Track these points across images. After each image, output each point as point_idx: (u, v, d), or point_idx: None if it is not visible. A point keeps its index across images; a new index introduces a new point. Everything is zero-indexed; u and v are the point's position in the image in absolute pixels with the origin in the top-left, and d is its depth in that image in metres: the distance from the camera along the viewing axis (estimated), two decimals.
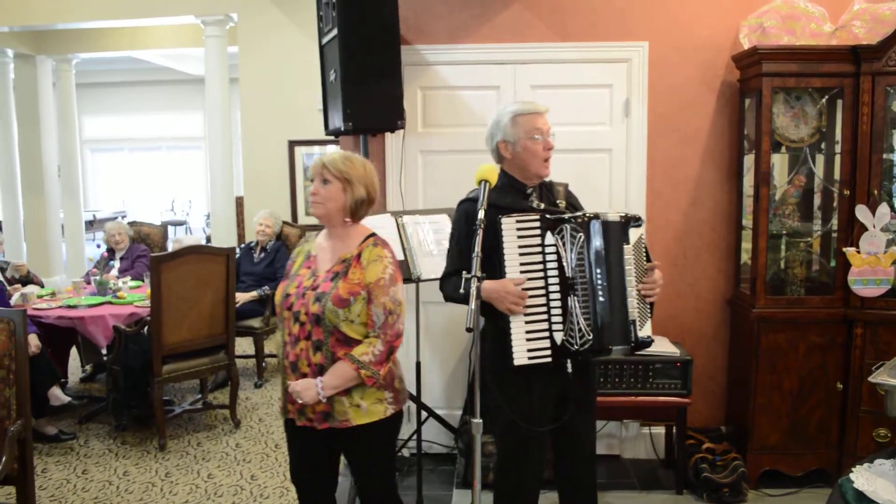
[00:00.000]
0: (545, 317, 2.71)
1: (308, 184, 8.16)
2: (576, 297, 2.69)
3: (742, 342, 4.18)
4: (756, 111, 3.94)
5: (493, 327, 2.84)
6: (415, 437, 3.98)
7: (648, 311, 2.82)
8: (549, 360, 2.71)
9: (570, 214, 2.75)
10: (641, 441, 4.48)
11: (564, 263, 2.69)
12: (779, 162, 4.15)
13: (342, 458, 2.91)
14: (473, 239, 2.53)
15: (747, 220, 4.17)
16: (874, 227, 3.81)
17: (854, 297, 3.88)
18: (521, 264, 2.70)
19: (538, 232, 2.71)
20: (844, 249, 3.87)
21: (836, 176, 3.97)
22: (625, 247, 2.74)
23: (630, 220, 2.76)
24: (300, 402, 2.57)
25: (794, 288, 4.08)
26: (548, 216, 2.74)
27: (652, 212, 4.33)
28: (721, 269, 4.37)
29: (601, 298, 2.70)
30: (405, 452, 4.43)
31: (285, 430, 2.80)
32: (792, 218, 4.10)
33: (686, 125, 4.30)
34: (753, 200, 4.00)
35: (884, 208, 3.79)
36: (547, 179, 3.01)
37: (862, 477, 2.30)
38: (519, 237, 2.71)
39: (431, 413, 4.18)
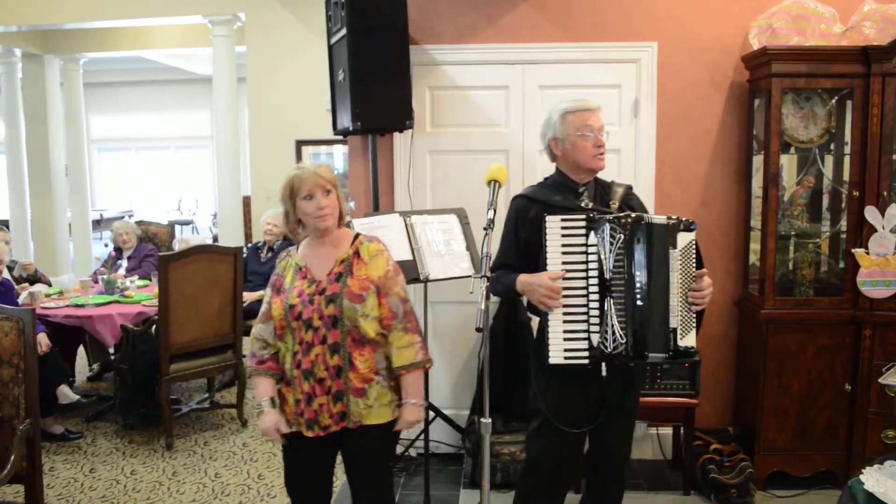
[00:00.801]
0: (584, 317, 2.69)
1: None
2: (611, 299, 2.66)
3: (750, 343, 4.17)
4: (765, 112, 3.93)
5: (539, 325, 2.84)
6: (422, 436, 3.98)
7: (694, 319, 2.73)
8: (586, 361, 2.69)
9: (613, 215, 2.69)
10: (649, 442, 4.48)
11: (603, 264, 2.66)
12: (788, 163, 4.14)
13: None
14: (483, 239, 2.53)
15: (756, 221, 4.15)
16: (883, 228, 3.80)
17: (863, 299, 3.87)
18: (564, 263, 2.68)
19: (583, 231, 2.67)
20: (853, 251, 3.86)
21: (846, 177, 3.96)
22: (671, 251, 2.65)
23: (679, 224, 2.67)
24: (411, 426, 2.71)
25: (802, 289, 4.07)
26: (594, 216, 2.70)
27: (660, 212, 4.29)
28: (730, 270, 4.37)
29: (639, 302, 2.64)
30: (412, 452, 4.44)
31: (285, 442, 2.74)
32: (801, 219, 4.09)
33: (695, 126, 4.29)
34: (762, 201, 3.99)
35: (893, 209, 3.78)
36: (608, 180, 2.99)
37: (872, 478, 2.29)
38: (563, 236, 2.68)
39: (439, 413, 4.18)
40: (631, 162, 4.30)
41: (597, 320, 2.67)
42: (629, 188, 2.99)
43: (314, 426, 2.64)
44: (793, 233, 4.09)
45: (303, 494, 2.81)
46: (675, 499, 4.00)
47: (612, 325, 2.64)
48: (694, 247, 2.71)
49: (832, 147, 4.08)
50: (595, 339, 2.67)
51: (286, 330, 2.66)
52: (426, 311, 3.96)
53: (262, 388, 2.72)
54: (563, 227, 2.68)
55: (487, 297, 2.41)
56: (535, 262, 2.73)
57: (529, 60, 4.29)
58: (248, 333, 5.70)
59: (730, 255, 4.35)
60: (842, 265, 4.01)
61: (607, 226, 2.64)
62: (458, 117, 4.37)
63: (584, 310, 2.69)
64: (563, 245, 2.68)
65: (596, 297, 2.66)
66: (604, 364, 2.70)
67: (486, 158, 4.06)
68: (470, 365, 4.52)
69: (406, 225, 3.78)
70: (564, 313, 2.69)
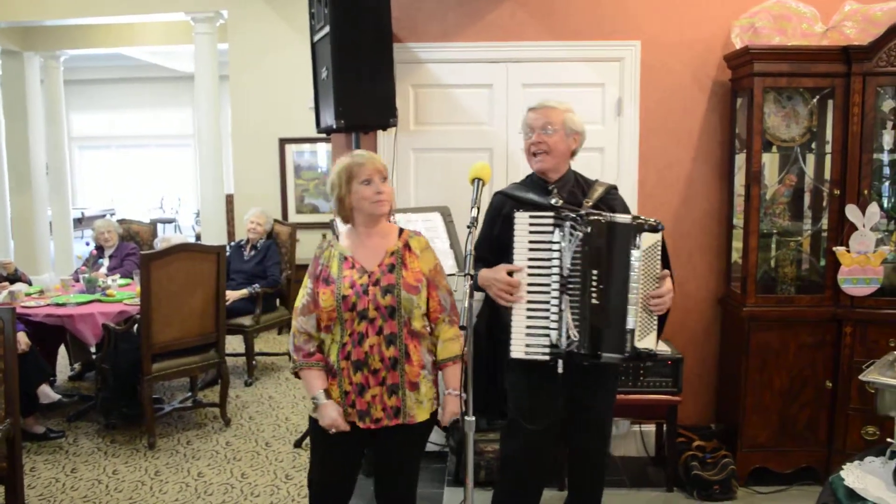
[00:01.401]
0: (546, 314, 2.71)
1: (300, 182, 8.25)
2: (567, 297, 2.68)
3: (733, 341, 4.20)
4: (747, 111, 3.96)
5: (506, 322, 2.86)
6: None
7: (655, 322, 2.75)
8: (547, 357, 2.71)
9: (577, 212, 2.71)
10: (632, 439, 4.49)
11: (562, 261, 2.68)
12: (770, 161, 4.17)
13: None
14: (467, 237, 2.54)
15: (738, 220, 4.18)
16: (864, 226, 3.83)
17: (844, 296, 3.90)
18: (530, 259, 2.71)
19: (550, 228, 2.70)
20: (834, 249, 3.89)
21: (827, 175, 3.99)
22: (633, 252, 2.67)
23: (643, 225, 2.69)
24: (452, 420, 2.69)
25: (784, 287, 4.10)
26: (560, 213, 2.71)
27: (643, 211, 4.33)
28: (712, 267, 4.39)
29: (594, 301, 2.67)
30: None
31: (322, 437, 2.68)
32: (782, 217, 4.12)
33: (678, 125, 4.31)
34: (744, 200, 4.02)
35: (873, 208, 3.82)
36: (591, 177, 3.02)
37: (852, 474, 2.31)
38: (531, 232, 2.71)
39: None
40: (614, 160, 4.31)
41: (556, 317, 2.69)
42: (611, 188, 3.00)
43: (365, 418, 2.62)
44: (774, 231, 4.12)
45: (326, 489, 2.77)
46: (657, 495, 4.02)
47: (567, 323, 2.66)
48: (659, 248, 2.73)
49: (813, 146, 4.11)
50: (553, 336, 2.69)
51: (335, 321, 2.61)
52: None
53: (313, 382, 2.65)
54: (532, 224, 2.72)
55: (471, 295, 2.43)
56: (505, 256, 2.77)
57: (513, 59, 4.29)
58: (230, 332, 5.71)
59: (712, 253, 4.38)
60: (823, 263, 4.05)
61: (568, 223, 2.66)
62: (441, 115, 4.37)
63: (546, 306, 2.72)
64: (531, 241, 2.72)
65: (557, 294, 2.69)
66: (560, 361, 2.71)
67: (469, 157, 4.05)
68: None
69: (390, 223, 3.76)
70: (528, 309, 2.72)
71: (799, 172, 4.11)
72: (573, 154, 3.00)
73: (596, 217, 2.68)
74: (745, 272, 3.99)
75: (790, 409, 4.01)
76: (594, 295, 2.66)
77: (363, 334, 2.59)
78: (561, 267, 2.67)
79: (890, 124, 3.93)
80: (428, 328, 2.71)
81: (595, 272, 2.66)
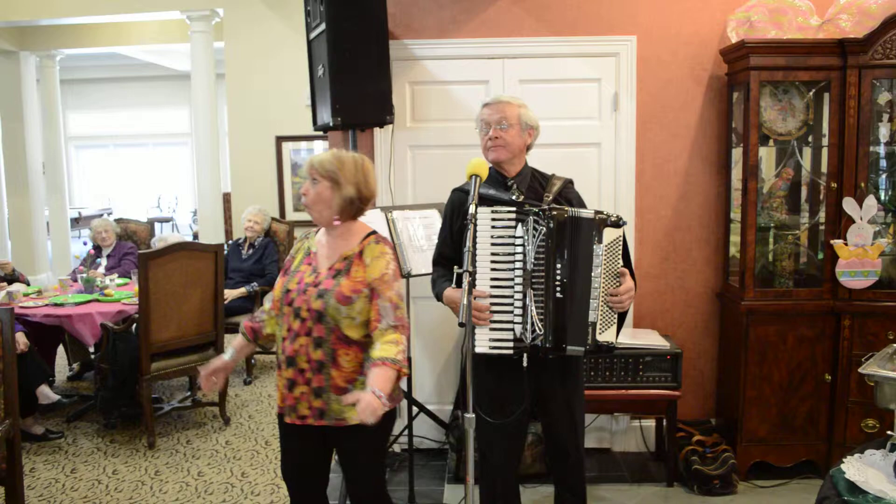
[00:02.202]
0: (510, 308, 2.72)
1: (296, 179, 8.23)
2: (532, 291, 2.69)
3: (731, 335, 4.20)
4: (744, 105, 3.95)
5: None
6: (406, 432, 3.98)
7: (615, 315, 2.78)
8: (511, 351, 2.72)
9: (540, 207, 2.73)
10: (632, 434, 4.50)
11: (526, 256, 2.69)
12: (766, 155, 4.17)
13: (334, 454, 2.91)
14: (464, 234, 2.54)
15: (736, 214, 4.18)
16: (861, 219, 3.83)
17: (842, 289, 3.91)
18: (492, 255, 2.73)
19: (512, 223, 2.72)
20: (832, 242, 3.89)
21: (824, 169, 3.99)
22: (595, 246, 2.70)
23: (606, 220, 2.71)
24: (371, 421, 2.41)
25: (782, 280, 4.10)
26: (522, 208, 2.73)
27: (641, 206, 4.34)
28: (710, 262, 4.39)
29: (558, 295, 2.69)
30: (396, 448, 4.44)
31: (279, 426, 2.80)
32: (780, 211, 4.12)
33: (674, 119, 4.31)
34: (741, 193, 4.01)
35: (871, 200, 3.82)
36: (548, 172, 3.03)
37: (853, 467, 2.31)
38: (493, 227, 2.73)
39: (422, 408, 4.18)
40: (611, 155, 4.31)
41: (520, 311, 2.70)
42: (568, 182, 3.03)
43: (292, 413, 2.66)
44: (772, 224, 4.12)
45: (295, 480, 2.81)
46: (658, 490, 4.02)
47: (532, 317, 2.67)
48: (620, 243, 2.76)
49: (810, 139, 4.11)
50: (518, 330, 2.71)
51: (279, 313, 2.68)
52: (408, 307, 3.95)
53: (234, 341, 2.87)
54: (493, 219, 2.73)
55: (469, 292, 2.42)
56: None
57: (510, 55, 4.28)
58: (229, 331, 5.71)
59: (710, 248, 4.38)
60: (821, 256, 4.05)
61: (531, 218, 2.68)
62: (438, 112, 4.36)
63: (510, 301, 2.73)
64: (493, 237, 2.73)
65: (520, 288, 2.71)
66: (525, 355, 2.72)
67: (466, 153, 4.00)
68: (452, 360, 4.52)
69: (388, 220, 3.77)
70: (492, 304, 2.72)
71: (796, 166, 4.12)
72: (528, 148, 3.01)
73: (559, 211, 2.70)
74: (743, 266, 3.99)
75: (790, 403, 4.01)
76: (558, 289, 2.69)
77: (297, 332, 2.61)
78: (525, 261, 2.68)
79: (886, 117, 3.93)
80: (367, 336, 2.60)
81: (559, 266, 2.68)
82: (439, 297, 3.00)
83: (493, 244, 2.73)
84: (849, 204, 3.84)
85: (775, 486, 4.00)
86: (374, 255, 2.63)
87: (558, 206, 2.74)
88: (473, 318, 2.70)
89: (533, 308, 2.68)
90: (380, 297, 2.57)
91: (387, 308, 2.57)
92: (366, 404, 2.35)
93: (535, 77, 4.27)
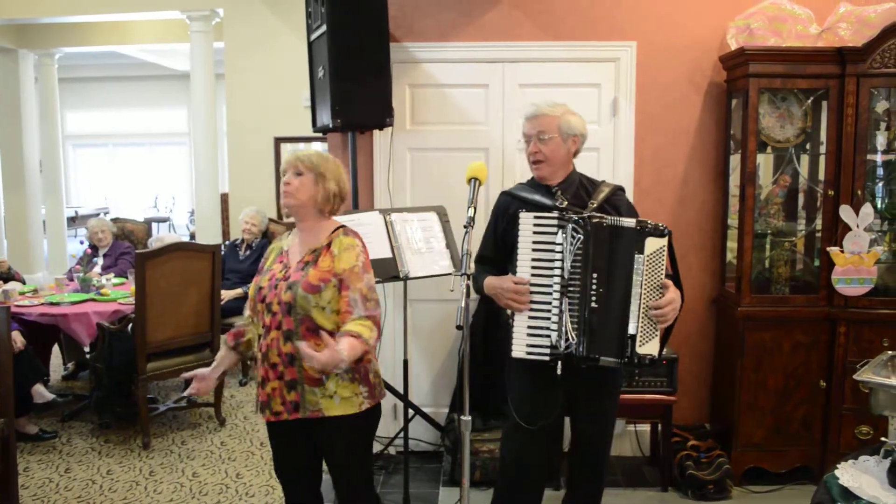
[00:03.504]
0: (548, 315, 2.71)
1: None
2: (566, 299, 2.68)
3: (727, 340, 4.21)
4: (742, 111, 3.97)
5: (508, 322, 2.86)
6: (402, 435, 3.98)
7: (655, 328, 2.72)
8: (547, 357, 2.71)
9: (580, 214, 2.70)
10: (627, 438, 4.50)
11: (564, 264, 2.67)
12: (764, 162, 4.18)
13: None
14: (463, 237, 2.54)
15: (733, 220, 4.19)
16: (858, 226, 3.85)
17: (838, 296, 3.92)
18: (533, 260, 2.71)
19: (554, 230, 2.70)
20: (828, 249, 3.90)
21: (821, 176, 4.01)
22: (637, 256, 2.65)
23: (648, 229, 2.66)
24: (326, 370, 2.47)
25: (778, 287, 4.11)
26: (565, 215, 2.71)
27: (639, 210, 4.25)
28: (707, 267, 4.40)
29: (593, 305, 2.66)
30: (392, 450, 4.43)
31: (267, 426, 2.82)
32: (777, 217, 4.14)
33: (673, 125, 4.32)
34: (739, 200, 4.03)
35: (867, 208, 3.83)
36: (597, 179, 3.02)
37: (847, 473, 2.31)
38: (535, 233, 2.71)
39: (418, 411, 4.18)
40: (610, 160, 4.32)
41: (556, 319, 2.69)
42: (617, 189, 2.98)
43: (266, 410, 2.68)
44: (769, 231, 4.13)
45: (287, 479, 2.85)
46: (652, 495, 4.03)
47: (566, 325, 2.66)
48: (664, 254, 2.70)
49: (808, 147, 4.13)
50: (554, 337, 2.69)
51: (255, 311, 2.73)
52: (406, 309, 3.95)
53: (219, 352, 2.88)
54: (536, 225, 2.71)
55: (468, 295, 2.43)
56: (512, 255, 2.78)
57: (510, 59, 4.29)
58: (225, 332, 5.69)
59: (707, 253, 4.39)
60: (817, 263, 4.06)
61: (570, 225, 2.66)
62: (438, 115, 4.37)
63: (548, 307, 2.71)
64: (534, 242, 2.72)
65: (558, 295, 2.69)
66: (560, 363, 2.71)
67: (466, 156, 4.06)
68: (449, 363, 4.52)
69: (386, 223, 3.77)
70: (531, 309, 2.72)
71: (793, 173, 4.13)
72: (575, 154, 2.98)
73: (599, 219, 2.66)
74: (739, 272, 4.00)
75: (785, 409, 4.02)
76: (593, 298, 2.66)
77: (268, 328, 2.64)
78: (563, 269, 2.67)
79: (884, 125, 3.95)
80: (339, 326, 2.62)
81: (595, 275, 2.65)
82: (480, 290, 2.95)
83: (534, 250, 2.72)
84: (845, 211, 3.85)
85: (769, 491, 4.01)
86: (343, 246, 2.64)
87: (599, 214, 2.71)
88: (512, 301, 2.70)
89: (567, 316, 2.67)
90: (349, 288, 2.59)
91: (356, 300, 2.58)
92: (328, 356, 2.38)
93: (535, 81, 4.28)
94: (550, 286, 2.70)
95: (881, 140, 3.94)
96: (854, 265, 3.87)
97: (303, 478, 2.84)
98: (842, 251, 3.87)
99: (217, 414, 5.17)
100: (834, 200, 3.91)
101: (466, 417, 2.51)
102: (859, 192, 3.87)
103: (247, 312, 2.82)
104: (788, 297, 4.06)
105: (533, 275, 2.71)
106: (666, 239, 2.70)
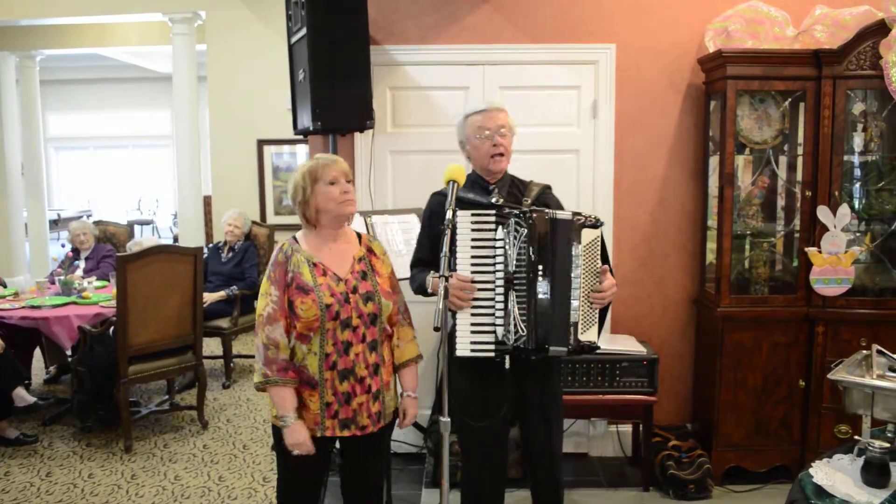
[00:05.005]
0: (491, 311, 2.74)
1: (278, 183, 8.22)
2: (514, 293, 2.71)
3: (707, 341, 4.24)
4: (721, 113, 4.00)
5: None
6: None
7: (596, 315, 2.79)
8: (492, 353, 2.73)
9: (519, 209, 2.75)
10: (608, 439, 4.52)
11: (507, 258, 2.71)
12: (743, 163, 4.22)
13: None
14: (441, 238, 2.55)
15: (712, 221, 4.23)
16: (835, 227, 3.89)
17: (816, 297, 3.96)
18: (473, 257, 2.74)
19: (492, 226, 2.74)
20: (806, 249, 3.94)
21: (799, 177, 4.05)
22: (574, 247, 2.71)
23: (584, 221, 2.74)
24: (408, 422, 2.79)
25: (757, 287, 4.15)
26: (502, 211, 2.75)
27: (619, 212, 4.37)
28: (687, 268, 4.43)
29: (540, 296, 2.70)
30: None
31: (286, 460, 2.65)
32: (756, 218, 4.17)
33: (653, 127, 4.35)
34: (718, 201, 4.06)
35: (844, 209, 3.87)
36: (525, 178, 3.06)
37: (821, 471, 2.34)
38: (473, 230, 2.74)
39: None
40: (590, 162, 4.34)
41: (502, 313, 2.72)
42: (546, 187, 3.07)
43: (351, 425, 2.61)
44: (748, 232, 4.17)
45: (296, 500, 2.73)
46: (634, 495, 4.05)
47: (514, 318, 2.69)
48: (599, 243, 2.79)
49: (786, 148, 4.17)
50: (500, 332, 2.72)
51: (316, 331, 2.56)
52: None
53: (286, 399, 2.57)
54: (473, 222, 2.74)
55: (445, 297, 2.44)
56: (452, 258, 2.74)
57: (490, 61, 4.31)
58: (207, 334, 5.69)
59: (687, 254, 4.42)
60: (795, 264, 4.10)
61: (513, 220, 2.70)
62: (419, 117, 4.38)
63: (491, 303, 2.74)
64: (473, 239, 2.75)
65: (502, 290, 2.73)
66: (507, 357, 2.74)
67: (446, 158, 4.01)
68: (431, 364, 4.52)
69: (367, 225, 3.78)
70: (473, 307, 2.74)
71: (771, 174, 4.17)
72: None
73: (539, 213, 2.71)
74: (719, 273, 4.04)
75: (764, 409, 4.06)
76: (540, 290, 2.70)
77: (349, 343, 2.58)
78: (506, 263, 2.70)
79: (860, 127, 3.99)
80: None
81: (540, 267, 2.69)
82: (422, 289, 2.95)
83: (473, 247, 2.74)
84: (823, 212, 3.89)
85: (749, 490, 4.04)
86: (381, 250, 2.79)
87: (538, 209, 2.76)
88: (455, 299, 2.70)
89: (516, 310, 2.69)
90: (398, 291, 2.78)
91: (401, 300, 2.77)
92: (412, 415, 2.75)
93: (515, 84, 4.30)
94: (492, 282, 2.73)
95: (858, 141, 3.98)
96: (832, 265, 3.91)
97: (309, 499, 2.75)
98: (820, 251, 3.91)
99: (200, 417, 5.16)
100: (811, 201, 3.95)
101: (446, 419, 2.52)
102: (836, 193, 3.91)
103: (276, 337, 2.60)
104: (767, 298, 4.09)
105: (473, 272, 2.73)
106: (599, 230, 2.79)
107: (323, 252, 2.66)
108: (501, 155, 2.94)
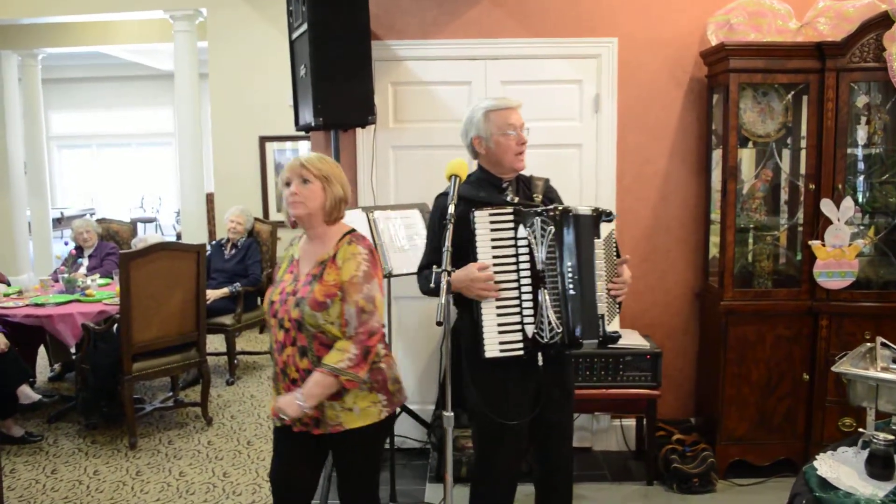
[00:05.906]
0: (517, 309, 2.72)
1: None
2: (545, 291, 2.70)
3: (711, 335, 4.23)
4: (723, 107, 3.99)
5: (469, 321, 2.84)
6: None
7: (617, 306, 2.83)
8: (522, 352, 2.72)
9: (542, 208, 2.75)
10: (612, 433, 4.53)
11: (535, 256, 2.70)
12: (746, 157, 4.21)
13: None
14: (444, 234, 2.54)
15: (715, 215, 4.22)
16: (839, 220, 3.88)
17: (819, 290, 3.95)
18: (494, 257, 2.72)
19: (511, 225, 2.72)
20: (810, 242, 3.93)
21: (802, 170, 4.03)
22: (595, 241, 2.74)
23: (601, 215, 2.77)
24: (287, 419, 2.52)
25: (761, 281, 4.14)
26: (521, 209, 2.74)
27: (622, 206, 4.37)
28: (690, 262, 4.43)
29: (571, 292, 2.71)
30: None
31: (274, 433, 2.75)
32: (759, 212, 4.16)
33: (655, 120, 4.34)
34: (721, 195, 4.05)
35: (848, 202, 3.86)
36: (526, 174, 3.03)
37: (825, 464, 2.34)
38: (492, 230, 2.72)
39: (405, 408, 4.18)
40: (592, 156, 4.34)
41: (530, 311, 2.71)
42: (547, 181, 3.06)
43: (297, 422, 2.60)
44: (751, 225, 4.16)
45: (281, 486, 2.75)
46: (638, 489, 4.05)
47: (548, 315, 2.68)
48: (614, 236, 2.82)
49: (789, 141, 4.16)
50: (529, 330, 2.71)
51: (268, 325, 2.67)
52: (390, 306, 3.96)
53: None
54: (492, 222, 2.73)
55: (448, 292, 2.43)
56: (462, 258, 2.70)
57: (492, 56, 4.30)
58: (211, 331, 5.70)
59: (690, 248, 4.41)
60: (799, 257, 4.09)
61: (538, 219, 2.70)
62: (420, 113, 4.38)
63: (516, 302, 2.73)
64: (493, 239, 2.73)
65: (528, 288, 2.72)
66: (540, 354, 2.73)
67: (448, 154, 4.02)
68: (434, 360, 4.53)
69: (369, 220, 3.78)
70: (498, 307, 2.72)
71: (775, 167, 4.16)
72: None
73: (563, 210, 2.73)
74: (722, 266, 4.03)
75: (768, 402, 4.05)
76: (570, 285, 2.70)
77: (283, 343, 2.59)
78: (534, 261, 2.69)
79: (863, 119, 3.97)
80: None
81: (569, 263, 2.71)
82: (434, 291, 2.79)
83: (493, 247, 2.72)
84: (826, 205, 3.88)
85: (753, 484, 4.04)
86: (346, 256, 2.56)
87: (560, 206, 2.79)
88: (482, 290, 2.68)
89: (549, 306, 2.69)
90: (346, 300, 2.51)
91: (351, 314, 2.51)
92: (284, 403, 2.51)
93: (517, 78, 4.29)
94: (516, 280, 2.71)
95: (861, 134, 3.97)
96: (835, 259, 3.90)
97: (299, 489, 2.75)
98: (823, 245, 3.90)
99: (204, 413, 5.16)
100: (815, 194, 3.93)
101: (449, 413, 2.52)
102: (840, 186, 3.90)
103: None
104: (771, 291, 4.08)
105: (496, 272, 2.71)
106: (614, 223, 2.82)
107: (305, 251, 2.69)
108: (522, 153, 2.92)
